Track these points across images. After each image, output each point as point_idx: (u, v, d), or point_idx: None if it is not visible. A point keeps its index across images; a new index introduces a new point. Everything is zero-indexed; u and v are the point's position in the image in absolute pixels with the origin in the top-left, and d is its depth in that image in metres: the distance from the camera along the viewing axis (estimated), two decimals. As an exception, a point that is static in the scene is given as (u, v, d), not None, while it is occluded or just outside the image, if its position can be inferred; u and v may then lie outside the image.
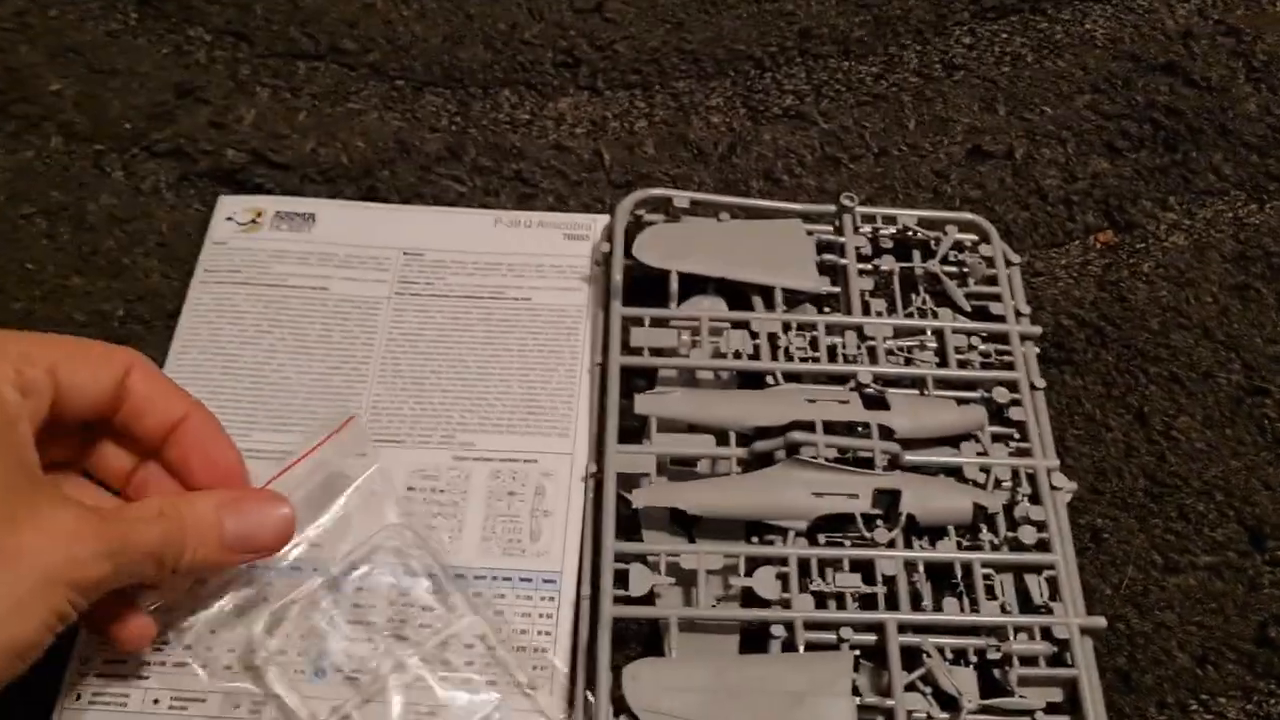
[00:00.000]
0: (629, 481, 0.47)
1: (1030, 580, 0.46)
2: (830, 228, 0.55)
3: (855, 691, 0.42)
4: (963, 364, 0.51)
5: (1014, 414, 0.50)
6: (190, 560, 0.39)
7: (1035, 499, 0.48)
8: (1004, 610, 0.45)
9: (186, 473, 0.42)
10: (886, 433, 0.48)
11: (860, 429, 0.48)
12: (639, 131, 0.61)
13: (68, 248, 0.55)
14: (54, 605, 0.35)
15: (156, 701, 0.43)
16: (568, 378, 0.51)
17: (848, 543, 0.46)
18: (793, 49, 0.64)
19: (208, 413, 0.43)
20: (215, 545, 0.40)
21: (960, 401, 0.50)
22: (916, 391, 0.50)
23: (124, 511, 0.39)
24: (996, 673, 0.44)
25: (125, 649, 0.42)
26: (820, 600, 0.45)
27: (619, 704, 0.41)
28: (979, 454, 0.49)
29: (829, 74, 0.64)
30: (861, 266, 0.54)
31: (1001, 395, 0.50)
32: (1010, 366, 0.51)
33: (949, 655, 0.44)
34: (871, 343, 0.51)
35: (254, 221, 0.55)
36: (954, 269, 0.55)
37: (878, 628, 0.44)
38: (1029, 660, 0.44)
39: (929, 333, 0.52)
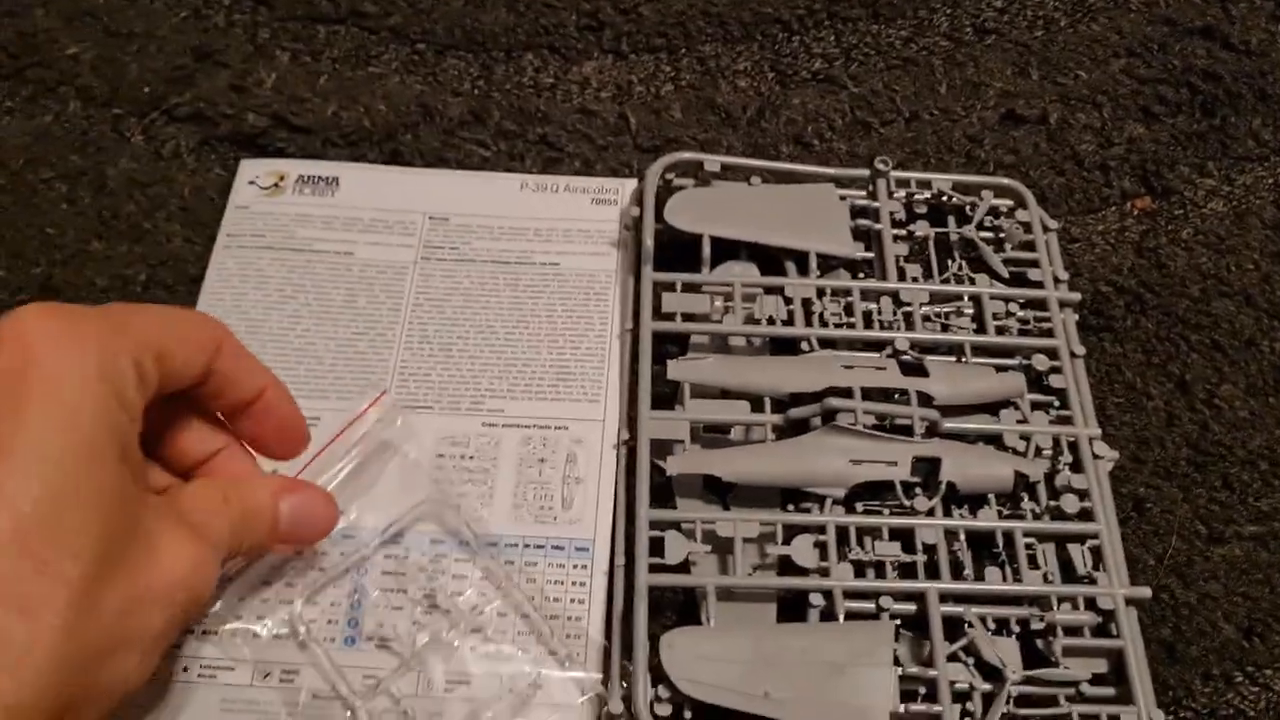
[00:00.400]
0: (662, 448, 0.46)
1: (1073, 550, 0.45)
2: (863, 192, 0.54)
3: (896, 662, 0.41)
4: (1000, 330, 0.50)
5: (1054, 381, 0.49)
6: (247, 547, 0.39)
7: (1077, 467, 0.47)
8: (1047, 580, 0.44)
9: (260, 442, 0.41)
10: (925, 399, 0.47)
11: (898, 396, 0.47)
12: (665, 95, 0.60)
13: (88, 212, 0.54)
14: (171, 641, 0.35)
15: (186, 669, 0.42)
16: (598, 343, 0.50)
17: (886, 511, 0.45)
18: (821, 12, 0.63)
19: (280, 383, 0.41)
20: (269, 533, 0.40)
21: (999, 368, 0.49)
22: (954, 358, 0.49)
23: (194, 506, 0.37)
24: (1040, 643, 0.43)
25: None
26: (859, 569, 0.44)
27: (656, 673, 0.40)
28: (1019, 421, 0.48)
29: (858, 37, 0.62)
30: (896, 232, 0.52)
31: (1041, 362, 0.49)
32: (1049, 333, 0.50)
33: (991, 625, 0.43)
34: (908, 309, 0.50)
35: (276, 185, 0.54)
36: (990, 234, 0.53)
37: (918, 597, 0.43)
38: (1073, 631, 0.43)
39: (966, 299, 0.51)
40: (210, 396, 0.39)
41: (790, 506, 0.46)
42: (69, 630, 0.30)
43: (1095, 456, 0.47)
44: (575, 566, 0.45)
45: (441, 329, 0.51)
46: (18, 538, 0.30)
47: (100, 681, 0.32)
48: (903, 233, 0.53)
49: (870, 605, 0.43)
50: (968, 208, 0.54)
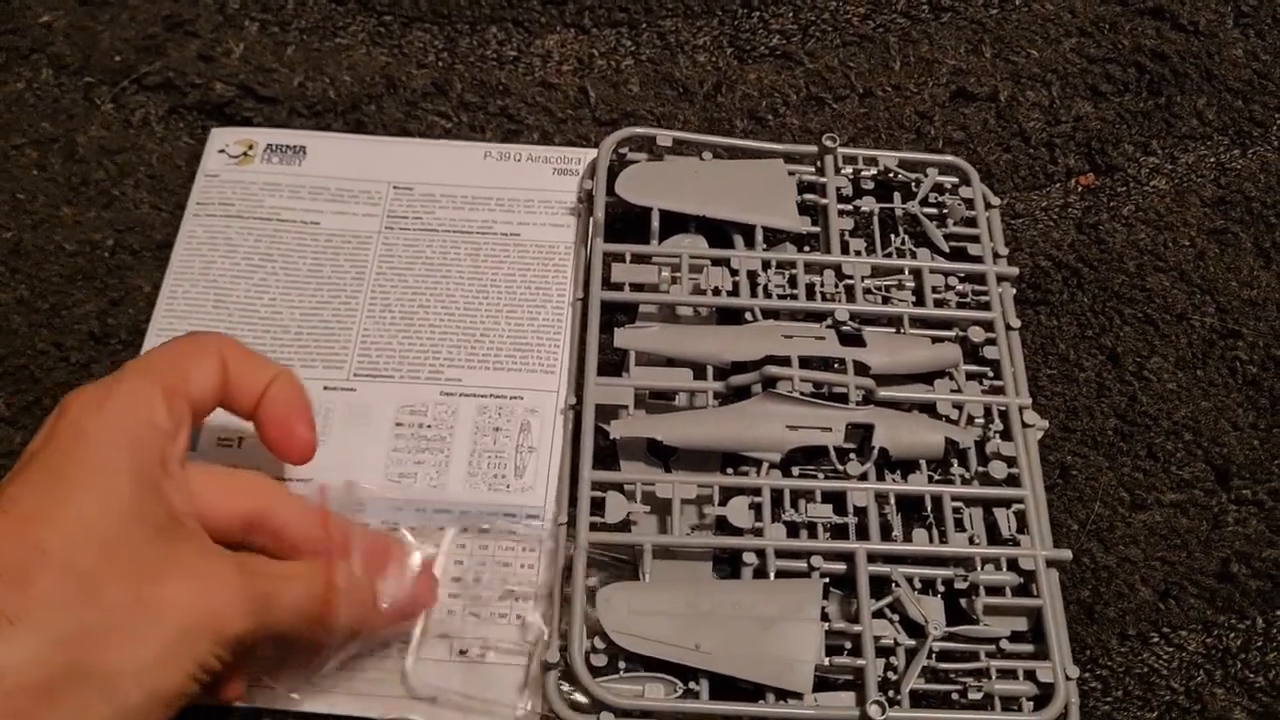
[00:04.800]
0: (608, 414, 0.48)
1: (999, 514, 0.47)
2: (812, 168, 0.55)
3: (824, 618, 0.43)
4: (939, 303, 0.52)
5: (989, 353, 0.51)
6: (346, 620, 0.39)
7: (1006, 435, 0.49)
8: (972, 542, 0.46)
9: (271, 440, 0.42)
10: (861, 368, 0.48)
11: (836, 364, 0.49)
12: (625, 70, 0.61)
13: (58, 178, 0.55)
14: (197, 656, 0.35)
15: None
16: (555, 314, 0.52)
17: (820, 475, 0.47)
18: (781, -12, 0.64)
19: (290, 380, 0.42)
20: (368, 605, 0.40)
21: (935, 339, 0.51)
22: (893, 330, 0.51)
23: (270, 567, 0.38)
24: (963, 602, 0.45)
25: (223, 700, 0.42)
26: (792, 529, 0.46)
27: (593, 626, 0.42)
28: (953, 391, 0.50)
29: (816, 14, 0.64)
30: (842, 207, 0.54)
31: (977, 334, 0.51)
32: (986, 306, 0.52)
33: (917, 585, 0.45)
34: (850, 281, 0.52)
35: (246, 154, 0.56)
36: (934, 210, 0.55)
37: (848, 557, 0.45)
38: (995, 590, 0.45)
39: (907, 272, 0.53)
40: (231, 397, 0.41)
41: (729, 470, 0.48)
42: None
43: (1025, 425, 0.49)
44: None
45: (403, 298, 0.52)
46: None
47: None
48: (849, 208, 0.54)
49: (802, 564, 0.45)
50: (913, 184, 0.55)
